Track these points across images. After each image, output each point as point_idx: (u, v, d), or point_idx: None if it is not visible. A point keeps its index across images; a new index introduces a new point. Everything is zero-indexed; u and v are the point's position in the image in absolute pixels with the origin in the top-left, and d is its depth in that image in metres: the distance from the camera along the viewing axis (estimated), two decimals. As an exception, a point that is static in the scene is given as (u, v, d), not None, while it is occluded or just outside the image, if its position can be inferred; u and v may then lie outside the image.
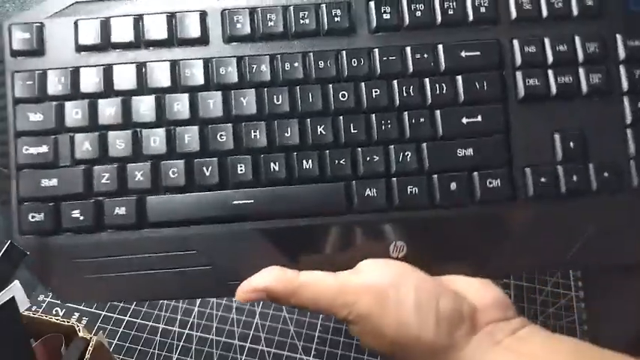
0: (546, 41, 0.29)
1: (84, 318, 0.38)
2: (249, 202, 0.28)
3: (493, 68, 0.29)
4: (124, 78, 0.28)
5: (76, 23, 0.29)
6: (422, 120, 0.28)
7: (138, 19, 0.28)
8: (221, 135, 0.28)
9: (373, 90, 0.28)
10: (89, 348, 0.29)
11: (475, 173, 0.28)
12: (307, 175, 0.28)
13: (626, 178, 0.28)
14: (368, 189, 0.28)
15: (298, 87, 0.28)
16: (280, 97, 0.28)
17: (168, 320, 0.38)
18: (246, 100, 0.28)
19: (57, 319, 0.30)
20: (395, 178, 0.28)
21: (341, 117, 0.28)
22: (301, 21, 0.29)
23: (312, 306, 0.26)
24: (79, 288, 0.28)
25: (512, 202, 0.28)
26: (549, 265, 0.31)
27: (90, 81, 0.28)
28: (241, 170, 0.28)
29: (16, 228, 0.28)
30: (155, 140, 0.28)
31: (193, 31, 0.29)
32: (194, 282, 0.28)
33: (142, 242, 0.28)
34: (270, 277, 0.26)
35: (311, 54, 0.28)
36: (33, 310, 0.37)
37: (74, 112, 0.28)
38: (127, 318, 0.38)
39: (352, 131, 0.28)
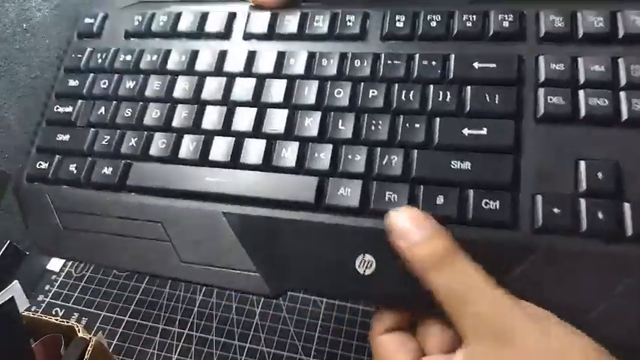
0: (580, 61, 0.25)
1: (83, 318, 0.38)
2: (221, 181, 0.27)
3: (509, 83, 0.26)
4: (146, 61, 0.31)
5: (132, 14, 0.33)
6: (416, 125, 0.26)
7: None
8: (240, 114, 0.29)
9: (370, 90, 0.27)
10: (89, 348, 0.29)
11: (470, 190, 0.24)
12: (284, 163, 0.26)
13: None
14: (342, 187, 0.25)
15: (297, 81, 0.28)
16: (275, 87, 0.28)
17: (168, 320, 0.37)
18: (240, 86, 0.29)
19: (56, 320, 0.30)
20: (375, 182, 0.25)
21: (332, 112, 0.27)
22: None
23: (445, 296, 0.21)
24: (53, 239, 0.29)
25: (512, 230, 0.23)
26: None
27: (121, 59, 0.32)
28: (218, 150, 0.28)
29: (25, 174, 0.31)
30: (156, 112, 0.30)
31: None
32: (149, 255, 0.27)
33: (116, 205, 0.28)
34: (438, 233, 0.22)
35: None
36: (32, 310, 0.37)
37: (102, 83, 0.31)
38: (126, 318, 0.38)
39: (338, 127, 0.27)
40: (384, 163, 0.25)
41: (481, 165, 0.24)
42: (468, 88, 0.26)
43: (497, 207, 0.23)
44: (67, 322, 0.29)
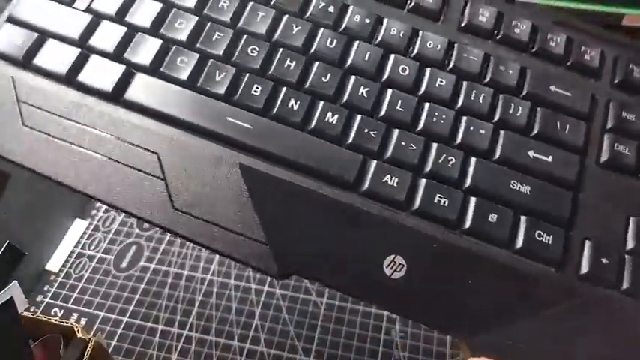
0: (653, 117, 0.24)
1: (82, 318, 0.37)
2: (246, 126, 0.22)
3: (581, 116, 0.24)
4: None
5: None
6: (481, 132, 0.23)
7: None
8: (252, 49, 0.24)
9: (438, 78, 0.24)
10: (88, 349, 0.28)
11: (525, 217, 0.22)
12: (326, 129, 0.23)
13: None
14: (388, 175, 0.22)
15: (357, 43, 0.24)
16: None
17: (167, 321, 0.37)
18: (290, 27, 0.24)
19: (56, 320, 0.29)
20: (425, 179, 0.22)
21: (390, 89, 0.24)
22: None
23: None
24: (9, 136, 0.22)
25: (557, 270, 0.21)
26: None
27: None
28: (255, 91, 0.23)
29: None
30: (182, 23, 0.24)
31: None
32: (136, 190, 0.22)
33: (103, 117, 0.22)
34: None
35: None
36: (32, 310, 0.36)
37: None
38: (125, 318, 0.37)
39: (396, 107, 0.23)
40: (439, 161, 0.22)
41: (541, 193, 0.22)
42: (540, 109, 0.24)
43: (550, 242, 0.22)
44: (66, 323, 0.29)
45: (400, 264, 0.21)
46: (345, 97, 0.23)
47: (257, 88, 0.23)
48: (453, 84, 0.24)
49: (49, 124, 0.22)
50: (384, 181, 0.22)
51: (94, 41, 0.24)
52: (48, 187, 0.23)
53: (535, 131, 0.23)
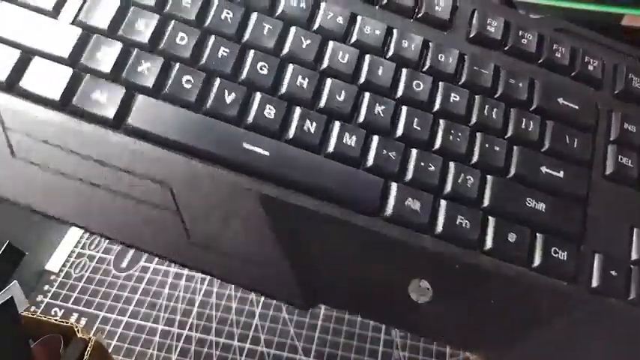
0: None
1: (82, 318, 0.37)
2: (262, 152, 0.21)
3: (586, 129, 0.25)
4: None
5: None
6: (496, 149, 0.23)
7: None
8: (262, 66, 0.22)
9: (452, 94, 0.24)
10: (88, 349, 0.28)
11: (541, 234, 0.22)
12: (345, 152, 0.22)
13: None
14: (410, 198, 0.22)
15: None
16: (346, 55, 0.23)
17: (167, 321, 0.37)
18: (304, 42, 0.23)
19: (56, 320, 0.30)
20: (446, 200, 0.22)
21: (405, 107, 0.23)
22: None
23: None
24: (14, 176, 0.20)
25: (570, 283, 0.22)
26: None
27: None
28: (269, 113, 0.22)
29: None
30: (183, 38, 0.22)
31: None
32: (147, 225, 0.20)
33: (105, 146, 0.21)
34: None
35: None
36: (32, 310, 0.36)
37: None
38: (125, 318, 0.37)
39: (413, 125, 0.23)
40: (459, 181, 0.22)
41: (554, 209, 0.23)
42: (550, 122, 0.24)
43: (565, 258, 0.22)
44: (66, 323, 0.29)
45: (425, 287, 0.21)
46: (362, 117, 0.23)
47: (270, 109, 0.22)
48: (467, 99, 0.24)
49: (43, 155, 0.20)
50: (406, 204, 0.22)
51: (87, 59, 0.21)
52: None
53: (546, 146, 0.24)
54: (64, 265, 0.40)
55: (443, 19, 0.25)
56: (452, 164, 0.23)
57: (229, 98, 0.22)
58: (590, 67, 0.26)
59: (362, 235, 0.21)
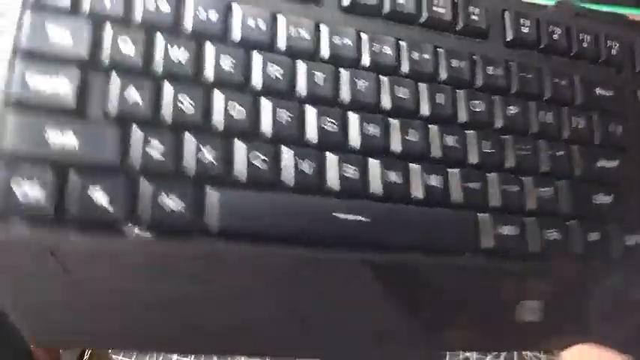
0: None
1: None
2: (359, 219, 0.20)
3: (621, 115, 0.26)
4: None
5: None
6: (559, 154, 0.24)
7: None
8: (330, 123, 0.20)
9: (509, 107, 0.23)
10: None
11: (610, 226, 0.23)
12: (434, 195, 0.21)
13: None
14: (502, 225, 0.22)
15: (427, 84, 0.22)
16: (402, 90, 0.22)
17: None
18: (364, 85, 0.21)
19: None
20: (531, 218, 0.22)
21: (472, 131, 0.22)
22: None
23: None
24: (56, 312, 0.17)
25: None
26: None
27: None
28: (354, 174, 0.20)
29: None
30: (234, 106, 0.19)
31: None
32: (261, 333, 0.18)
33: (192, 261, 0.18)
34: None
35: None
36: None
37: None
38: None
39: (485, 151, 0.22)
40: (537, 196, 0.23)
41: (618, 200, 0.24)
42: (595, 116, 0.25)
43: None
44: None
45: (533, 307, 0.22)
46: (439, 152, 0.22)
47: (355, 170, 0.20)
48: (522, 108, 0.23)
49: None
50: (499, 232, 0.22)
51: (136, 162, 0.18)
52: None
53: (597, 141, 0.25)
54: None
55: (482, 28, 0.24)
56: (528, 179, 0.23)
57: (304, 165, 0.19)
58: (613, 51, 0.26)
59: (468, 274, 0.21)
